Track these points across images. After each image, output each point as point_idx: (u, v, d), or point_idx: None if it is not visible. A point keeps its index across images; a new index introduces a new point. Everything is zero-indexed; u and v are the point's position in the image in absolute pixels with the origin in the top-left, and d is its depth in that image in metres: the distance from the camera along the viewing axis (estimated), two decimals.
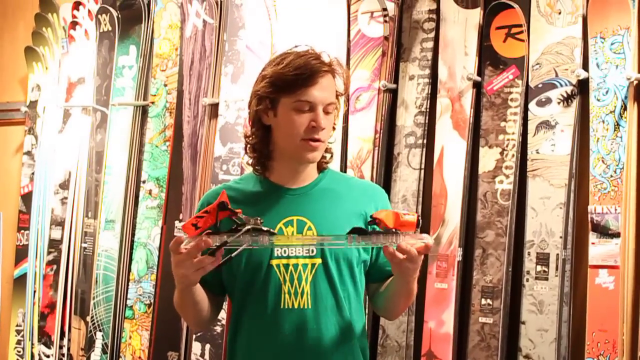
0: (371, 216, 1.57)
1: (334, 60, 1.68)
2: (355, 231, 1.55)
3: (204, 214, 1.52)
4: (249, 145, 1.73)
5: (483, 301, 2.38)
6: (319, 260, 1.66)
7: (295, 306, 1.64)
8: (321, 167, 1.76)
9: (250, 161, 1.74)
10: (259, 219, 1.55)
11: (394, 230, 1.53)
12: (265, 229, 1.54)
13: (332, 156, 1.80)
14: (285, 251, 1.65)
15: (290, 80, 1.62)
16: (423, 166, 2.54)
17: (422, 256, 1.56)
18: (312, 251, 1.65)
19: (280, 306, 1.64)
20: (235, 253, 1.55)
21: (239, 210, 1.55)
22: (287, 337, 1.64)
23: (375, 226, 1.55)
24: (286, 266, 1.65)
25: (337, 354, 1.67)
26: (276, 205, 1.69)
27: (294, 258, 1.65)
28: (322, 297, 1.66)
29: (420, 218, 1.54)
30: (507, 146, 2.41)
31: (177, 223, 3.02)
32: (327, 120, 1.65)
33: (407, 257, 1.53)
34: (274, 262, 1.64)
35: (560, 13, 2.37)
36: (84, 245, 3.32)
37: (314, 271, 1.65)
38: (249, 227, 1.53)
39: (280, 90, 1.64)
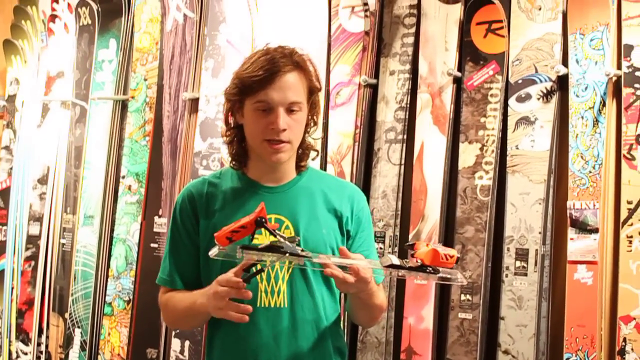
0: (412, 255, 1.54)
1: (298, 57, 1.65)
2: (393, 266, 1.52)
3: (240, 229, 1.47)
4: (226, 142, 1.74)
5: (462, 297, 2.38)
6: (293, 265, 1.64)
7: (272, 305, 1.64)
8: (299, 166, 1.74)
9: (228, 158, 1.75)
10: (297, 238, 1.51)
11: (430, 267, 1.50)
12: (303, 253, 1.49)
13: (318, 154, 1.80)
14: (269, 266, 1.63)
15: (250, 82, 1.62)
16: (403, 162, 2.54)
17: (369, 283, 1.53)
18: (290, 264, 1.63)
19: (256, 305, 1.62)
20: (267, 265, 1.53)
21: (276, 225, 1.52)
22: (263, 336, 1.64)
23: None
24: (263, 265, 1.63)
25: (312, 351, 1.66)
26: (254, 203, 1.67)
27: None
28: (298, 296, 1.65)
29: (459, 257, 1.53)
30: (486, 142, 2.41)
31: (156, 219, 3.00)
32: (292, 120, 1.63)
33: (357, 279, 1.51)
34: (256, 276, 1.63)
35: (540, 9, 2.37)
36: (62, 241, 3.29)
37: (290, 270, 1.65)
38: (287, 251, 1.47)
39: (243, 92, 1.64)
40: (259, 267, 1.53)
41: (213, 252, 1.49)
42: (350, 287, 1.53)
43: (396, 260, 1.52)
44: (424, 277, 1.51)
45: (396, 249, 2.45)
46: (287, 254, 1.47)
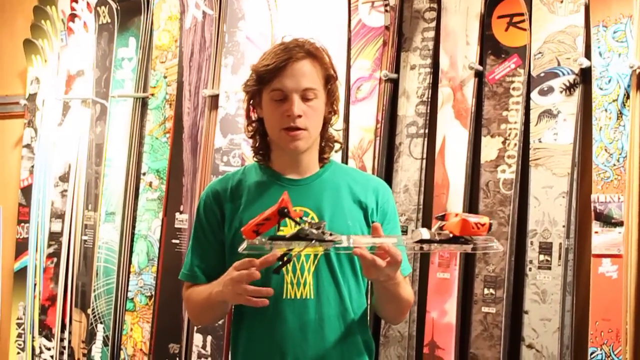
0: (442, 227, 1.51)
1: (311, 46, 1.67)
2: (424, 241, 1.50)
3: (265, 221, 1.47)
4: (248, 137, 1.77)
5: (486, 291, 2.37)
6: (321, 251, 1.65)
7: (298, 296, 1.64)
8: (323, 159, 1.75)
9: (251, 152, 1.77)
10: (323, 223, 1.50)
11: (462, 238, 1.48)
12: (330, 238, 1.48)
13: (341, 146, 1.80)
14: (297, 254, 1.64)
15: (265, 72, 1.65)
16: (425, 156, 2.53)
17: (399, 265, 1.52)
18: (319, 251, 1.64)
19: (282, 296, 1.64)
20: (296, 253, 1.52)
21: (300, 213, 1.52)
22: (289, 327, 1.64)
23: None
24: (290, 255, 1.64)
25: (339, 344, 1.67)
26: (279, 195, 1.68)
27: None
28: (324, 288, 1.66)
29: (491, 223, 1.49)
30: (509, 135, 2.40)
31: (177, 215, 3.01)
32: (308, 107, 1.64)
33: (388, 260, 1.50)
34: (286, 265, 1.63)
35: (562, 2, 2.36)
36: (84, 237, 3.31)
37: (316, 262, 1.65)
38: (313, 238, 1.47)
39: (260, 83, 1.67)
40: (286, 257, 1.53)
41: (242, 247, 1.49)
42: (379, 272, 1.51)
43: (427, 234, 1.48)
44: (458, 248, 1.49)
45: None
46: (314, 241, 1.47)
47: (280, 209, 1.47)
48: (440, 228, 1.50)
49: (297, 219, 1.49)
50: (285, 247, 1.49)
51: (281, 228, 1.52)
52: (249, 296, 1.53)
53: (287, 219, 1.49)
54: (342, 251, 1.59)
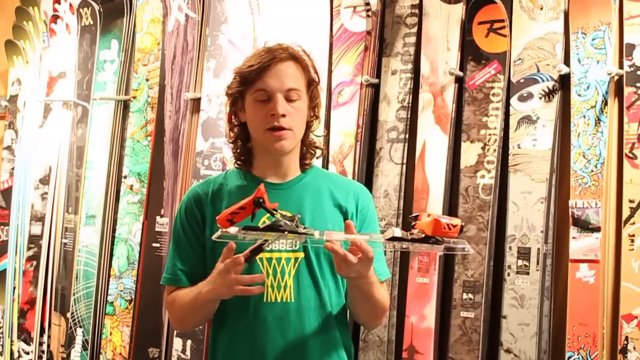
0: (413, 226, 1.52)
1: (294, 50, 1.69)
2: (395, 239, 1.51)
3: (240, 210, 1.48)
4: (230, 142, 1.76)
5: (464, 296, 2.38)
6: (301, 255, 1.66)
7: (279, 300, 1.64)
8: (304, 163, 1.75)
9: (232, 158, 1.77)
10: (297, 216, 1.51)
11: (434, 238, 1.49)
12: (303, 230, 1.50)
13: (322, 152, 1.81)
14: (269, 245, 1.64)
15: (248, 72, 1.66)
16: (405, 161, 2.54)
17: (371, 261, 1.53)
18: (295, 245, 1.65)
19: (263, 300, 1.64)
20: (267, 244, 1.53)
21: (275, 205, 1.52)
22: (270, 331, 1.64)
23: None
24: (269, 260, 1.64)
25: (320, 347, 1.67)
26: None
27: (277, 252, 1.65)
28: (304, 291, 1.66)
29: (463, 225, 1.50)
30: (488, 141, 2.41)
31: (158, 218, 3.00)
32: (292, 108, 1.65)
33: (359, 257, 1.51)
34: (258, 255, 1.63)
35: (542, 9, 2.38)
36: (64, 240, 3.29)
37: (297, 265, 1.66)
38: (286, 230, 1.49)
39: (244, 84, 1.68)
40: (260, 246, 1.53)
41: (216, 235, 1.51)
42: (350, 268, 1.52)
43: (399, 233, 1.49)
44: (429, 248, 1.50)
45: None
46: (287, 232, 1.49)
47: (256, 198, 1.48)
48: (413, 227, 1.51)
49: (272, 210, 1.49)
50: (258, 237, 1.50)
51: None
52: (240, 286, 1.53)
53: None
54: (315, 244, 1.60)
